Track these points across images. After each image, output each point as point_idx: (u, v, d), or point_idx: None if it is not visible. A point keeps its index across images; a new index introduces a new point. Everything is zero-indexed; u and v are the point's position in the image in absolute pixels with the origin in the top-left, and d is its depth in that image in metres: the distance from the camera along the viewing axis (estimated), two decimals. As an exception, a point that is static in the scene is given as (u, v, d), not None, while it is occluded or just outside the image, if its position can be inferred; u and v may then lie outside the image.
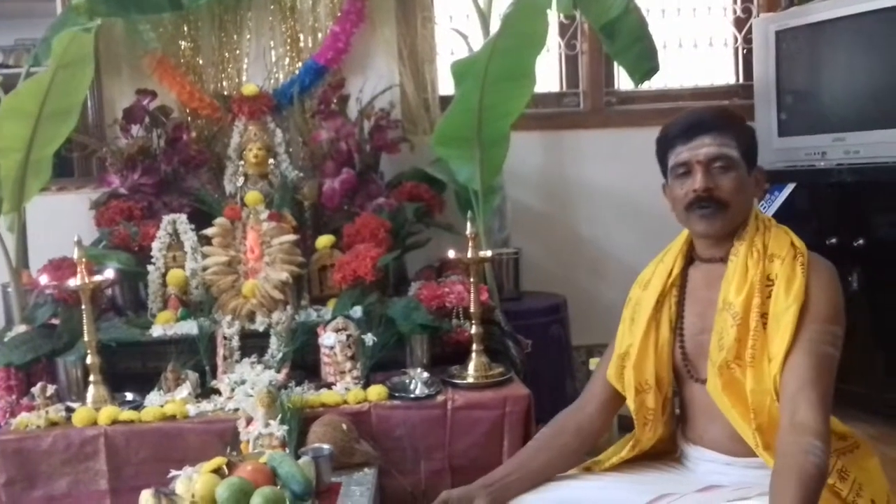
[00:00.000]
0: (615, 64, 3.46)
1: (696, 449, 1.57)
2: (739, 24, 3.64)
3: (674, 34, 3.62)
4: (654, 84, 3.41)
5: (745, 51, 3.62)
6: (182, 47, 3.16)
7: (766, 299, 1.44)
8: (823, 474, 1.28)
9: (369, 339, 2.35)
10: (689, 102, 3.44)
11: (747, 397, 1.42)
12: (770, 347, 1.42)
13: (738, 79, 3.68)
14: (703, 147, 1.50)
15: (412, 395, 2.28)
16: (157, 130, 2.97)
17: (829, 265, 1.48)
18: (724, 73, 3.70)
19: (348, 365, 2.36)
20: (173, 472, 1.76)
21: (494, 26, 2.89)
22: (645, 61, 3.08)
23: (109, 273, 2.38)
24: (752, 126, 1.57)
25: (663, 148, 1.58)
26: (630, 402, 1.59)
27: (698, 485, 1.48)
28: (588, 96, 3.57)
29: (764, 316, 1.44)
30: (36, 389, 2.27)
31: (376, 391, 2.27)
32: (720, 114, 1.56)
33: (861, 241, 2.91)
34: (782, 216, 1.58)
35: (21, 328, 2.53)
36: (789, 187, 3.03)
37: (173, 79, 3.08)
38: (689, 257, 1.62)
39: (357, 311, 2.48)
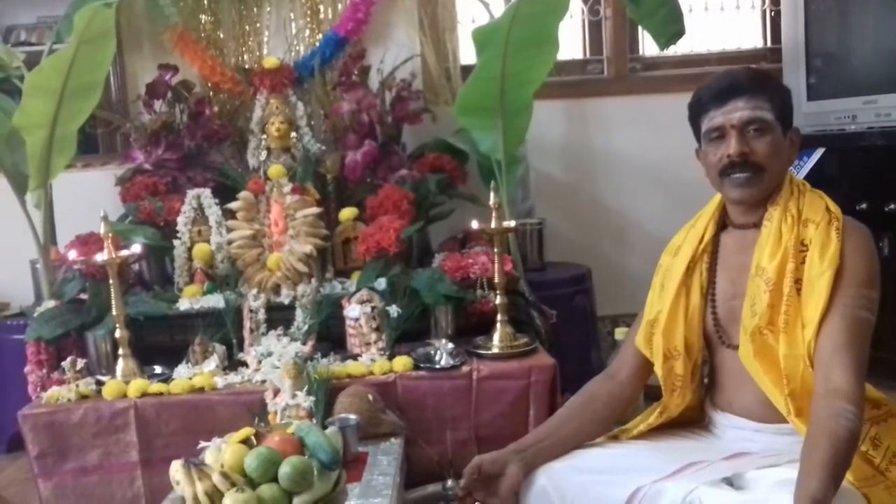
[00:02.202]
0: (640, 29, 3.41)
1: (725, 416, 1.56)
2: (767, -15, 3.57)
3: (700, -3, 3.56)
4: (679, 49, 3.35)
5: (773, 13, 3.55)
6: (202, 21, 3.16)
7: (801, 265, 1.42)
8: (855, 438, 1.27)
9: (394, 310, 2.35)
10: (716, 67, 3.37)
11: (780, 363, 1.40)
12: (804, 313, 1.40)
13: (765, 42, 3.61)
14: (737, 111, 1.47)
15: (437, 366, 2.28)
16: (179, 105, 2.99)
17: (865, 229, 1.46)
18: (751, 36, 3.62)
19: (373, 336, 2.36)
20: (203, 443, 1.78)
21: (516, -7, 2.85)
22: (670, 25, 3.02)
23: (136, 248, 2.41)
24: (786, 86, 1.53)
25: (696, 112, 1.55)
26: (658, 369, 1.58)
27: (726, 452, 1.47)
28: (612, 63, 3.51)
29: (798, 281, 1.42)
30: (66, 363, 2.30)
31: (402, 362, 2.28)
32: (754, 75, 1.52)
33: (892, 206, 2.86)
34: (811, 182, 1.54)
35: (50, 303, 2.57)
36: (819, 152, 2.97)
37: (194, 53, 3.07)
38: (722, 223, 1.60)
39: (381, 283, 2.48)
